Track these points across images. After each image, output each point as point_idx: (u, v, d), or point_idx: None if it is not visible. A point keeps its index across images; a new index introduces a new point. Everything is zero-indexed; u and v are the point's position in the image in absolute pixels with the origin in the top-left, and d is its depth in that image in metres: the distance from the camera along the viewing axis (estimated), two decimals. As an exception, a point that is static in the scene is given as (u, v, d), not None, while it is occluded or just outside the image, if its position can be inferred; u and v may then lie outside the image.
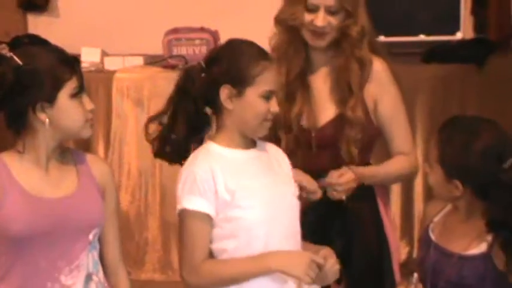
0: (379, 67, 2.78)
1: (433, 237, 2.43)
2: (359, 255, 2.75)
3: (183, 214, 2.34)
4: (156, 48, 4.63)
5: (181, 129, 2.40)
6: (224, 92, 2.35)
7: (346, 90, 2.74)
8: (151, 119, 2.45)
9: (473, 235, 2.33)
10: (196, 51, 4.47)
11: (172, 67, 4.52)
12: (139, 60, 4.70)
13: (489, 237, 2.30)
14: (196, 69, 2.40)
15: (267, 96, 2.36)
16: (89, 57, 4.69)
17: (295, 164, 2.73)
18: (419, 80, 4.30)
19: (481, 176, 2.28)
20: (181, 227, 2.36)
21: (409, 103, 4.23)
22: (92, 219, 2.31)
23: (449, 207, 2.45)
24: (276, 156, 2.51)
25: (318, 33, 2.72)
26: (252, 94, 2.35)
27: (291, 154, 2.74)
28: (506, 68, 4.28)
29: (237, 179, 2.35)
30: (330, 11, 2.70)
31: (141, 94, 4.44)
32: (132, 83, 4.48)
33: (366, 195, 2.79)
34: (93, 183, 2.33)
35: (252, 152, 2.43)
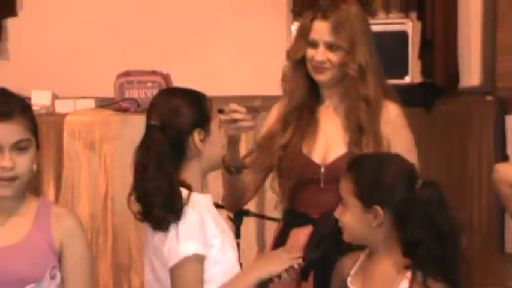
0: (394, 111, 2.83)
1: None
2: None
3: (185, 261, 2.31)
4: (108, 91, 4.62)
5: (169, 191, 2.34)
6: (196, 137, 2.37)
7: (357, 130, 2.77)
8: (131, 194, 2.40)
9: (393, 274, 2.37)
10: (148, 94, 4.47)
11: (124, 110, 4.52)
12: (91, 103, 4.68)
13: (408, 274, 2.34)
14: (154, 133, 2.37)
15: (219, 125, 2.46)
16: (39, 100, 4.66)
17: (300, 199, 2.77)
18: (369, 123, 4.34)
19: (398, 194, 2.37)
20: (181, 276, 2.32)
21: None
22: (25, 274, 2.24)
23: (362, 257, 2.47)
24: None
25: (318, 68, 2.80)
26: (215, 127, 2.43)
27: (296, 188, 2.79)
28: (453, 112, 4.36)
29: (216, 223, 2.37)
30: (329, 47, 2.78)
31: (93, 137, 4.42)
32: (83, 126, 4.46)
33: None
34: (44, 238, 2.27)
35: (209, 197, 2.45)
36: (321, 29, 2.79)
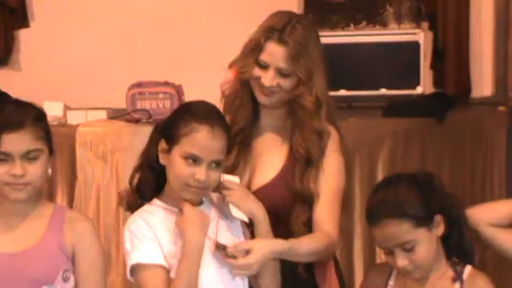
0: (331, 136, 2.64)
1: None
2: None
3: (136, 269, 2.33)
4: (120, 102, 4.63)
5: (148, 188, 2.45)
6: (161, 146, 2.39)
7: (304, 164, 2.59)
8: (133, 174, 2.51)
9: (437, 278, 2.39)
10: (160, 105, 4.48)
11: (136, 121, 4.52)
12: (103, 114, 4.69)
13: (450, 272, 2.39)
14: (153, 132, 2.48)
15: (190, 160, 2.32)
16: (51, 112, 4.66)
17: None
18: (380, 133, 4.34)
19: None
20: (135, 284, 2.35)
21: (370, 157, 4.31)
22: (38, 277, 2.30)
23: (396, 270, 2.45)
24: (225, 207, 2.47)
25: (265, 90, 2.60)
26: (176, 153, 2.35)
27: None
28: (465, 122, 4.35)
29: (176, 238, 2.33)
30: (281, 73, 2.57)
31: (105, 148, 4.43)
32: (95, 137, 4.47)
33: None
34: (57, 241, 2.34)
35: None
36: (276, 53, 2.55)
